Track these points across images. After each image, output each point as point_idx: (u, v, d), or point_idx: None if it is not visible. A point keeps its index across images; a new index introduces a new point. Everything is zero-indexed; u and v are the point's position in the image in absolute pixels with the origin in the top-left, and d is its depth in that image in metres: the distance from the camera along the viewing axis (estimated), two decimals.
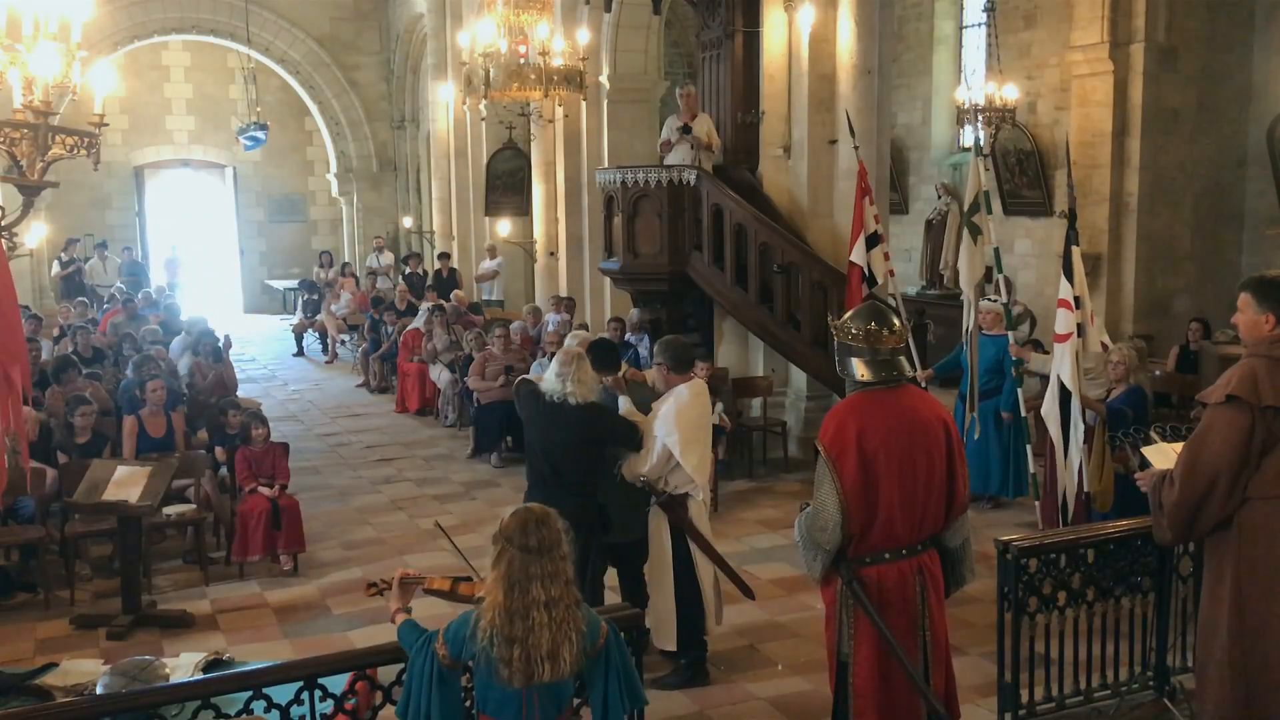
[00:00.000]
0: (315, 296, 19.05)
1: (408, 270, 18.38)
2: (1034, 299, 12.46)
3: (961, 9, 15.94)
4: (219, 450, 8.49)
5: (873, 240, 8.81)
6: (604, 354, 6.00)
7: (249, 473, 7.90)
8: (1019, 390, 8.21)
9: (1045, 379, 7.18)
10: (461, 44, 12.18)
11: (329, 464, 10.86)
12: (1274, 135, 11.61)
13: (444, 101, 18.67)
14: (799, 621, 6.53)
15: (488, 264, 17.20)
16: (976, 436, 8.16)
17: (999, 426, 8.44)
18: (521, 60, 10.54)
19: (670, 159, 10.64)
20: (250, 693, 3.81)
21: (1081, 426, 6.47)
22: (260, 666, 4.45)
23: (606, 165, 12.54)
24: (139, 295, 15.84)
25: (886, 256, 8.93)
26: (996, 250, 7.69)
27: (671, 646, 5.71)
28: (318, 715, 3.88)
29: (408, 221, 22.95)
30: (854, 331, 4.10)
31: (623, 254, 10.49)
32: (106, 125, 5.01)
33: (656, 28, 13.88)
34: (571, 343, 6.38)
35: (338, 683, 3.99)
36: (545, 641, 3.14)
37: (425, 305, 14.35)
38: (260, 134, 20.31)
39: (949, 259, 13.93)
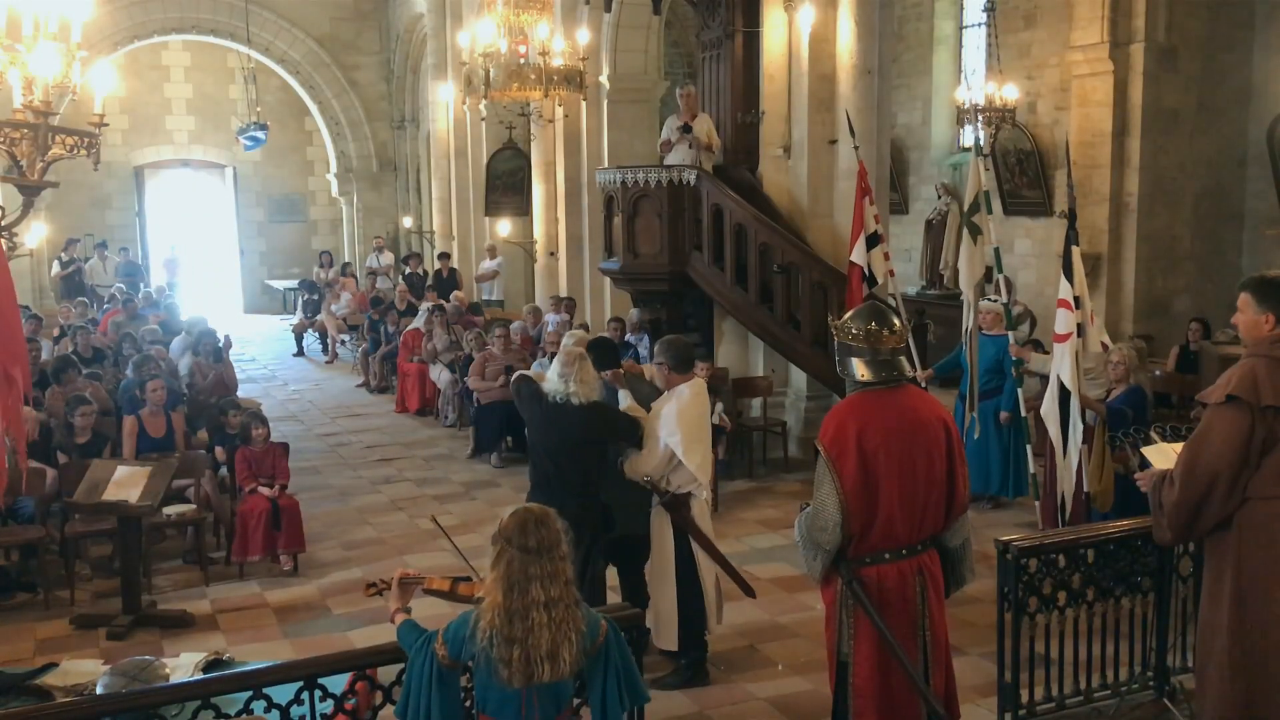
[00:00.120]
0: (315, 296, 19.06)
1: (408, 270, 18.38)
2: (1034, 299, 12.46)
3: (961, 9, 15.94)
4: (219, 450, 8.49)
5: (873, 240, 8.81)
6: (604, 353, 6.04)
7: (249, 473, 7.90)
8: (1019, 390, 8.21)
9: (1045, 379, 7.18)
10: (461, 44, 12.19)
11: (329, 464, 10.86)
12: (1274, 135, 11.60)
13: (444, 101, 18.67)
14: (799, 621, 6.53)
15: (488, 264, 17.21)
16: (976, 436, 8.15)
17: (999, 426, 8.44)
18: (521, 60, 10.54)
19: (670, 159, 10.64)
20: (250, 693, 3.81)
21: (1080, 426, 6.47)
22: (260, 666, 4.45)
23: (606, 165, 12.54)
24: (139, 295, 15.84)
25: (886, 256, 8.93)
26: (996, 250, 7.69)
27: (673, 647, 5.71)
28: (318, 715, 3.88)
29: (408, 221, 22.96)
30: (854, 331, 4.11)
31: (623, 254, 10.49)
32: (106, 125, 5.01)
33: (656, 28, 13.88)
34: (568, 341, 6.37)
35: (338, 683, 3.99)
36: (545, 642, 3.14)
37: (425, 305, 14.35)
38: (260, 134, 20.31)
39: (949, 259, 13.93)
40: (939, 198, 15.04)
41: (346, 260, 22.30)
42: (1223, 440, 3.99)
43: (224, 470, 8.52)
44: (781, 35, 10.50)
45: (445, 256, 17.98)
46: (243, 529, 7.60)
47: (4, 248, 4.41)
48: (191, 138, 23.74)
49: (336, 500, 9.51)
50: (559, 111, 12.92)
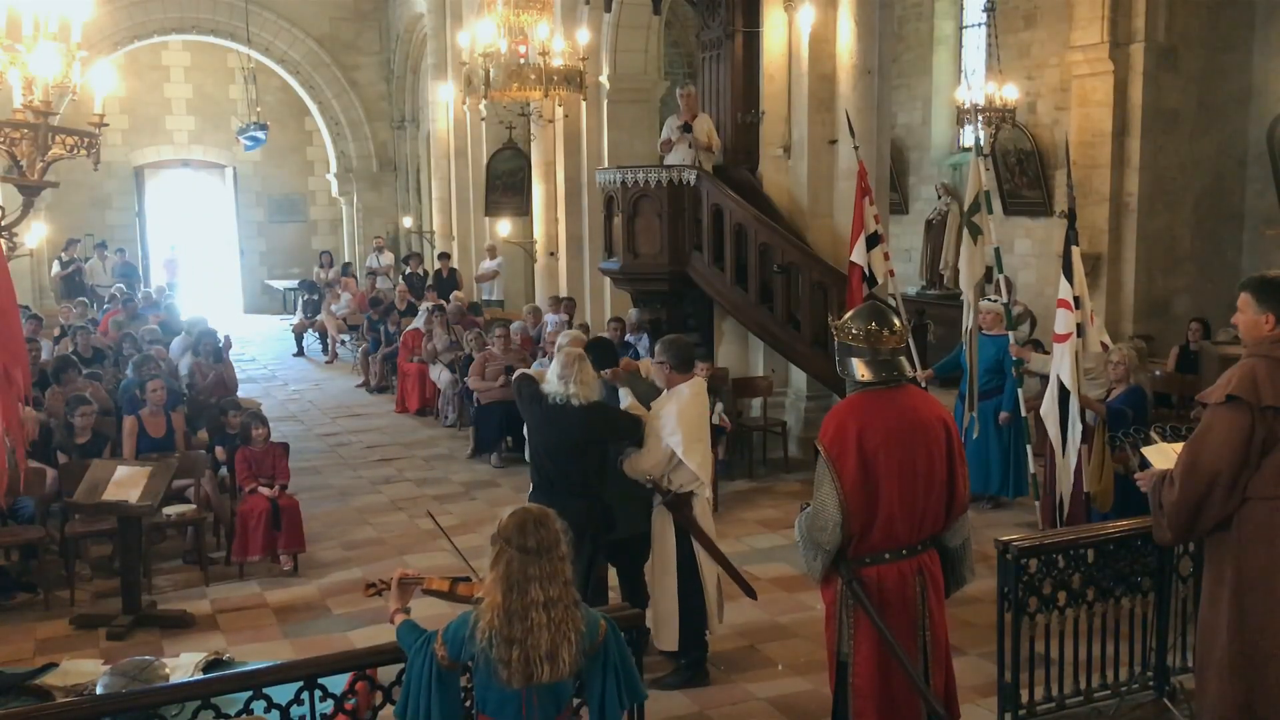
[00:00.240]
0: (315, 296, 19.07)
1: (408, 270, 18.38)
2: (1034, 299, 12.46)
3: (961, 9, 15.94)
4: (219, 450, 8.49)
5: (873, 240, 8.81)
6: (603, 353, 6.07)
7: (249, 473, 7.90)
8: (1019, 390, 8.21)
9: (1045, 379, 7.18)
10: (461, 44, 12.19)
11: (329, 464, 10.86)
12: (1274, 135, 11.60)
13: (444, 101, 18.67)
14: (799, 621, 6.53)
15: (488, 264, 17.21)
16: (976, 436, 8.15)
17: (999, 427, 8.44)
18: (521, 60, 10.55)
19: (670, 159, 10.64)
20: (250, 693, 3.81)
21: (1079, 426, 6.47)
22: (260, 666, 4.45)
23: (606, 165, 12.54)
24: (139, 295, 15.84)
25: (886, 256, 8.93)
26: (997, 250, 7.69)
27: (673, 647, 5.71)
28: (318, 715, 3.88)
29: (408, 221, 22.96)
30: (854, 332, 4.11)
31: (623, 254, 10.48)
32: (106, 125, 5.01)
33: (656, 28, 13.88)
34: (563, 340, 6.37)
35: (338, 683, 3.99)
36: (544, 642, 3.14)
37: (425, 305, 14.35)
38: (260, 134, 20.31)
39: (949, 259, 13.93)
40: (939, 198, 15.04)
41: (346, 260, 22.30)
42: (1223, 440, 3.99)
43: (224, 470, 8.52)
44: (781, 35, 10.50)
45: (445, 256, 17.98)
46: (243, 529, 7.60)
47: (4, 248, 4.42)
48: (191, 138, 23.74)
49: (336, 500, 9.51)
50: (559, 111, 12.92)
